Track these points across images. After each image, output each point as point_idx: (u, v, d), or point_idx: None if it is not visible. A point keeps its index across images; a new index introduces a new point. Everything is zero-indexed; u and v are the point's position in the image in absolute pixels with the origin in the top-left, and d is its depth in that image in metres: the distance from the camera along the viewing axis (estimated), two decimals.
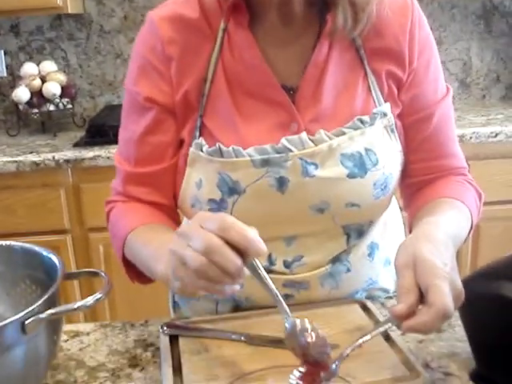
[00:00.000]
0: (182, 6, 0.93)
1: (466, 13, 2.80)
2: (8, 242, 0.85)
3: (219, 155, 0.88)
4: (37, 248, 0.82)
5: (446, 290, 0.67)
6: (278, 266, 0.93)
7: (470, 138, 2.22)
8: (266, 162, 0.87)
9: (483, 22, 2.82)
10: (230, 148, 0.87)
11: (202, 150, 0.90)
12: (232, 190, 0.88)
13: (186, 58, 0.91)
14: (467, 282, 0.73)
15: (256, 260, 0.66)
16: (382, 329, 0.73)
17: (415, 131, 0.96)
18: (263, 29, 0.91)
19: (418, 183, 1.00)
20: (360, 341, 0.71)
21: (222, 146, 0.88)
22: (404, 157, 0.96)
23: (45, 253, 0.81)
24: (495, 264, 0.77)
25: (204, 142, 0.90)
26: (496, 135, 2.25)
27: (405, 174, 0.98)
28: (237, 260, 0.64)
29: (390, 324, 0.72)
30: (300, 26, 0.91)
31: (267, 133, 0.89)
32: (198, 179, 0.90)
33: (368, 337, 0.71)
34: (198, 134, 0.91)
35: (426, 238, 0.75)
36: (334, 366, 0.68)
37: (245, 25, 0.89)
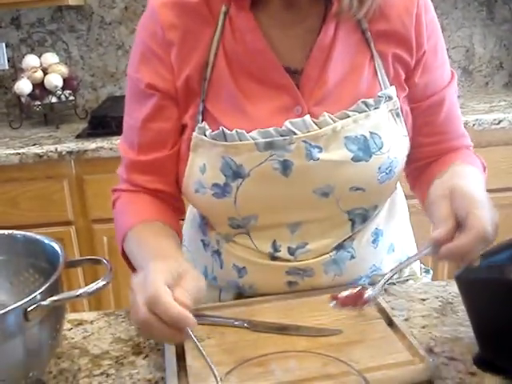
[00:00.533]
0: None
1: (469, 0, 2.78)
2: (10, 231, 0.85)
3: (223, 139, 0.88)
4: (38, 236, 0.82)
5: (486, 216, 0.72)
6: (283, 252, 0.93)
7: (473, 125, 2.22)
8: (269, 145, 0.86)
9: (485, 9, 2.81)
10: (234, 131, 0.87)
11: (205, 135, 0.89)
12: (236, 173, 0.87)
13: (187, 42, 0.90)
14: (469, 267, 0.73)
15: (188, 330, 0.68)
16: (419, 255, 0.78)
17: (428, 116, 0.97)
18: (266, 11, 0.90)
19: (428, 163, 1.01)
20: (396, 267, 0.78)
21: (225, 130, 0.87)
22: (413, 140, 0.97)
23: (46, 241, 0.81)
24: (497, 248, 0.77)
25: (207, 127, 0.89)
26: (499, 122, 2.25)
27: (414, 156, 0.99)
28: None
29: (427, 250, 0.76)
30: (304, 8, 0.90)
31: (271, 116, 0.88)
32: (202, 164, 0.90)
33: (405, 263, 0.76)
34: (200, 118, 0.91)
35: (460, 176, 0.82)
36: (369, 291, 0.76)
37: (247, 8, 0.89)
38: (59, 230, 2.21)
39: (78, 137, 2.26)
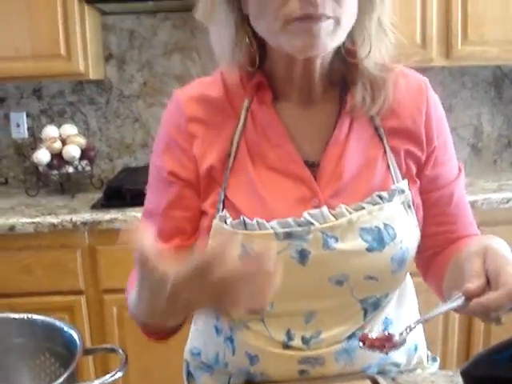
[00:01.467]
0: (207, 86, 0.99)
1: (477, 80, 2.86)
2: (29, 315, 0.88)
3: (243, 227, 0.91)
4: (57, 323, 0.85)
5: None
6: (296, 342, 0.95)
7: (482, 204, 2.24)
8: (288, 235, 0.89)
9: (493, 88, 2.88)
10: (254, 221, 0.90)
11: (225, 223, 0.92)
12: None
13: (210, 135, 0.95)
14: (475, 362, 0.74)
15: None
16: (448, 306, 0.77)
17: (438, 207, 1.01)
18: (286, 106, 0.96)
19: (438, 252, 1.03)
20: (426, 316, 0.77)
21: (246, 219, 0.91)
22: (423, 230, 1.00)
23: (65, 328, 0.83)
24: (505, 343, 0.78)
25: (228, 215, 0.93)
26: (507, 201, 2.28)
27: (425, 245, 1.01)
28: None
29: (457, 303, 0.76)
30: (321, 104, 0.96)
31: (289, 206, 0.92)
32: None
33: (434, 313, 0.75)
34: (221, 206, 0.94)
35: (493, 240, 0.84)
36: (397, 336, 0.76)
37: (268, 102, 0.95)
38: (70, 298, 2.22)
39: (93, 207, 2.30)
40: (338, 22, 0.84)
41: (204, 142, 0.95)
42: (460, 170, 1.03)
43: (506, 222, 2.28)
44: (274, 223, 0.90)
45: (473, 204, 2.20)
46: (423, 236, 0.99)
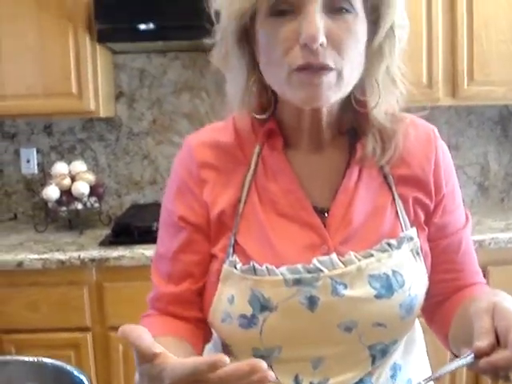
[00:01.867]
0: (218, 132, 1.01)
1: (483, 119, 2.88)
2: (40, 359, 0.89)
3: (253, 273, 0.91)
4: (67, 367, 0.85)
5: None
6: None
7: (489, 243, 2.24)
8: (297, 282, 0.90)
9: (499, 127, 2.90)
10: (264, 267, 0.91)
11: (235, 268, 0.93)
12: (263, 306, 0.90)
13: (221, 181, 0.97)
14: None
15: None
16: (458, 364, 0.76)
17: (445, 254, 1.01)
18: (296, 153, 0.97)
19: (445, 299, 1.03)
20: (436, 374, 0.76)
21: (256, 265, 0.91)
22: (431, 277, 1.00)
23: (75, 372, 0.84)
24: None
25: (238, 260, 0.93)
26: None
27: (431, 292, 1.01)
28: None
29: (466, 360, 0.76)
30: (331, 151, 0.97)
31: (299, 252, 0.92)
32: (230, 295, 0.93)
33: (444, 371, 0.75)
34: (231, 251, 0.95)
35: (499, 294, 0.84)
36: None
37: (279, 149, 0.96)
38: (76, 335, 2.23)
39: (101, 244, 2.31)
40: (340, 74, 0.85)
41: (215, 188, 0.97)
42: (467, 217, 1.04)
43: None
44: (283, 269, 0.90)
45: (480, 243, 2.21)
46: (429, 283, 1.00)
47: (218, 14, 0.91)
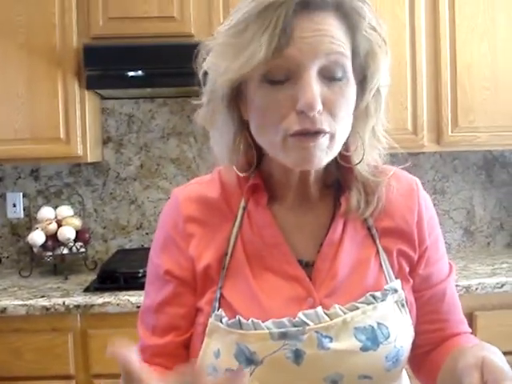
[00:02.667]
0: (204, 186, 1.01)
1: (468, 164, 2.92)
2: None
3: (238, 327, 0.91)
4: None
5: None
6: None
7: (476, 288, 2.24)
8: (283, 335, 0.89)
9: (485, 172, 2.94)
10: (250, 321, 0.90)
11: (221, 322, 0.92)
12: (249, 360, 0.90)
13: (207, 235, 0.97)
14: None
15: None
16: None
17: (430, 305, 1.01)
18: (281, 207, 0.98)
19: (431, 349, 1.03)
20: None
21: (241, 319, 0.91)
22: (416, 328, 1.00)
23: None
24: None
25: (224, 314, 0.93)
26: (502, 286, 2.27)
27: (417, 342, 1.01)
28: None
29: None
30: (315, 205, 0.98)
31: (284, 306, 0.92)
32: (216, 349, 0.93)
33: None
34: (217, 305, 0.94)
35: (489, 349, 0.82)
36: None
37: (264, 204, 0.97)
38: (60, 383, 2.18)
39: (86, 290, 2.29)
40: (332, 137, 0.87)
41: (201, 242, 0.97)
42: (451, 266, 1.05)
43: (500, 306, 2.26)
44: (269, 323, 0.90)
45: (467, 288, 2.21)
46: (415, 333, 0.99)
47: (205, 75, 0.92)
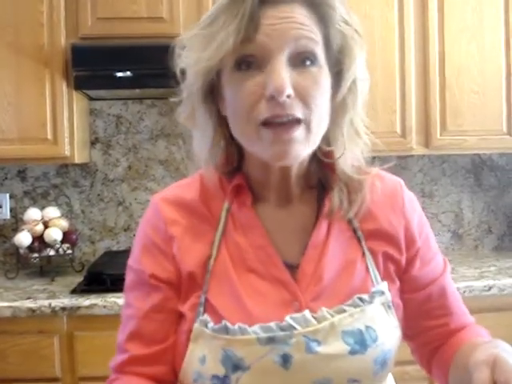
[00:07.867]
0: (183, 189, 1.00)
1: (456, 167, 2.93)
2: None
3: (225, 332, 0.89)
4: None
5: None
6: None
7: (464, 291, 2.25)
8: (271, 340, 0.88)
9: (473, 176, 2.95)
10: (236, 326, 0.89)
11: (206, 327, 0.90)
12: (236, 366, 0.88)
13: (189, 236, 0.95)
14: None
15: None
16: None
17: (431, 302, 1.01)
18: (265, 208, 0.97)
19: (440, 345, 1.03)
20: None
21: (228, 324, 0.89)
22: (423, 325, 1.01)
23: None
24: None
25: (209, 319, 0.91)
26: (489, 289, 2.29)
27: (426, 339, 1.02)
28: None
29: None
30: (299, 206, 0.97)
31: (270, 311, 0.91)
32: (202, 355, 0.91)
33: None
34: (202, 310, 0.93)
35: (498, 345, 0.82)
36: None
37: (248, 205, 0.95)
38: None
39: (73, 292, 2.27)
40: (308, 127, 0.86)
41: (183, 244, 0.95)
42: (445, 261, 1.05)
43: (488, 309, 2.27)
44: (256, 328, 0.88)
45: None
46: (421, 332, 1.01)
47: (183, 73, 0.91)
